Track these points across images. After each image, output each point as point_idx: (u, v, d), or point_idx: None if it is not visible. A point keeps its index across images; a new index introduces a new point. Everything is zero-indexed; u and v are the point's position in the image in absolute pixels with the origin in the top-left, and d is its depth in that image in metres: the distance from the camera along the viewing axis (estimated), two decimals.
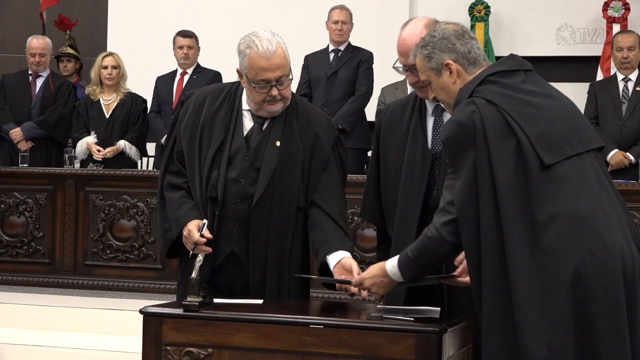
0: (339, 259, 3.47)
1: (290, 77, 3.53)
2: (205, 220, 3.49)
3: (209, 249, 3.50)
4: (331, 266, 3.47)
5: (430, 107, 3.56)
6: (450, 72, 3.11)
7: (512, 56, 3.20)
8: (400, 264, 3.15)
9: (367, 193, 3.70)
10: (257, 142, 3.58)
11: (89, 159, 7.48)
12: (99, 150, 7.45)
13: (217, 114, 3.62)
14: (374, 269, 3.28)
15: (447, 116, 3.46)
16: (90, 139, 7.52)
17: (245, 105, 3.63)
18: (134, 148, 7.58)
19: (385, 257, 3.34)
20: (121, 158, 7.52)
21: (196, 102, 3.67)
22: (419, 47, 3.18)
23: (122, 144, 7.55)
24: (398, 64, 3.53)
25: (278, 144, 3.56)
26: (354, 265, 3.41)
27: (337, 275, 3.43)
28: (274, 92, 3.49)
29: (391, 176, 3.58)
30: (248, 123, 3.62)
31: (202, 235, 3.48)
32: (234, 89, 3.66)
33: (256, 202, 3.52)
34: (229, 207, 3.56)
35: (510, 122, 2.95)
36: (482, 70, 3.11)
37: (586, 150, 3.01)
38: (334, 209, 3.58)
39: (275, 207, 3.54)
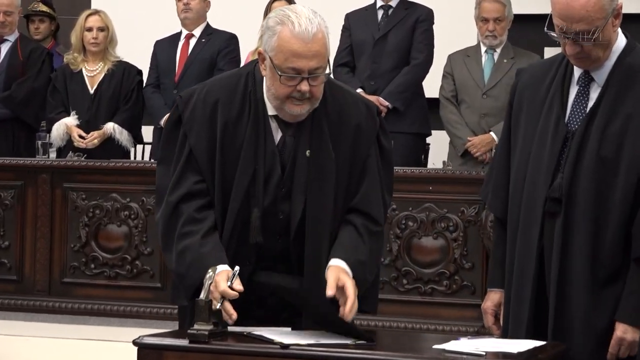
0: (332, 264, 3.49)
1: (328, 71, 3.39)
2: (237, 268, 3.40)
3: (234, 314, 3.38)
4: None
5: (577, 74, 3.64)
6: None
7: None
8: None
9: (495, 172, 3.87)
10: (291, 160, 3.54)
11: (68, 146, 7.34)
12: (81, 136, 7.33)
13: (239, 125, 3.51)
14: None
15: (594, 87, 3.65)
16: (70, 120, 7.41)
17: (270, 110, 3.51)
18: (125, 132, 7.45)
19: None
20: (109, 146, 7.39)
21: (204, 109, 3.54)
22: None
23: (111, 127, 7.41)
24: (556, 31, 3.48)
25: (308, 153, 3.52)
26: (341, 277, 3.41)
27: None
28: (304, 86, 3.35)
29: (519, 148, 3.72)
30: (276, 133, 3.54)
31: (231, 287, 3.37)
32: (251, 89, 3.54)
33: (294, 236, 3.59)
34: (269, 246, 3.61)
35: None
36: None
37: None
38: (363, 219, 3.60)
39: (309, 237, 3.58)
